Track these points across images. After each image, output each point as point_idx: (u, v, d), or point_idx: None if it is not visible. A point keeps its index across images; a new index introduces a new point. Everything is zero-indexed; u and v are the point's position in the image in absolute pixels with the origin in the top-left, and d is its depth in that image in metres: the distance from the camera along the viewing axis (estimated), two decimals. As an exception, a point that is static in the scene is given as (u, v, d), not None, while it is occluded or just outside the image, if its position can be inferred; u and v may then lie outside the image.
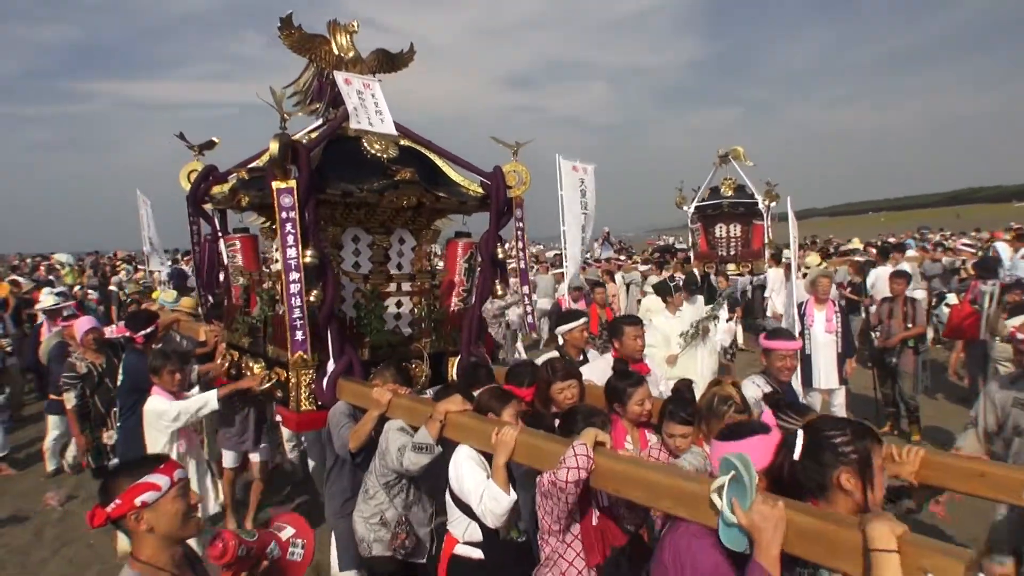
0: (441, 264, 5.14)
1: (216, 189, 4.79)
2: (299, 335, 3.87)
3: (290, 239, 3.77)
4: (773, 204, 14.06)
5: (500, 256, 4.55)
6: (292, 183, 3.76)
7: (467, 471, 2.98)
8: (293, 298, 3.80)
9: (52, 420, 7.06)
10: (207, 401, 4.30)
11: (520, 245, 4.77)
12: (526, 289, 5.04)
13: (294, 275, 3.80)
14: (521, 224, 4.80)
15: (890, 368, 7.60)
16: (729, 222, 14.03)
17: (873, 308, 8.33)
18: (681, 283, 9.80)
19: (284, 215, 3.76)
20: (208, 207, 4.98)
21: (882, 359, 7.70)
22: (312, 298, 3.82)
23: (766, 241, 14.15)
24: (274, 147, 3.65)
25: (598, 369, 4.49)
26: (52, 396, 6.90)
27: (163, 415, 4.21)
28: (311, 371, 4.01)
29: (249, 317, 4.57)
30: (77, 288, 12.78)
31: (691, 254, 14.95)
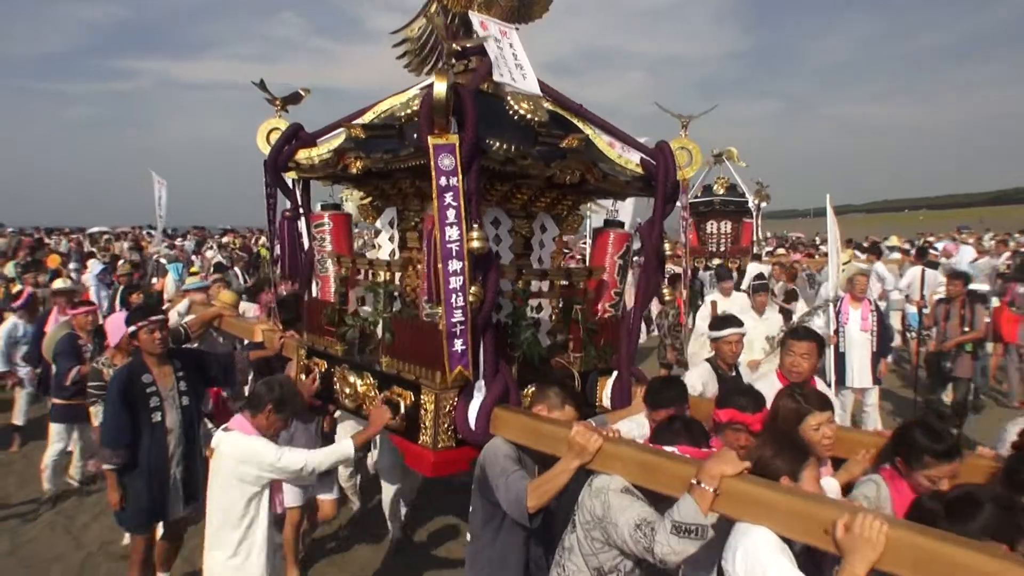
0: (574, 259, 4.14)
1: (302, 153, 3.76)
2: (459, 344, 2.86)
3: (451, 214, 2.77)
4: (764, 204, 14.35)
5: (667, 251, 3.59)
6: (454, 139, 2.77)
7: (773, 567, 1.99)
8: (453, 295, 2.79)
9: (55, 430, 5.80)
10: (345, 451, 3.25)
11: (682, 239, 3.81)
12: (685, 294, 4.07)
13: (455, 263, 2.79)
14: (686, 214, 3.85)
15: (945, 374, 7.10)
16: (720, 219, 14.06)
17: (926, 309, 7.95)
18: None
19: (443, 181, 2.75)
20: (290, 176, 3.93)
21: (937, 364, 7.19)
22: (470, 298, 2.82)
23: (754, 239, 14.32)
24: (439, 88, 2.65)
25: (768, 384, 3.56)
26: (56, 400, 5.72)
27: (264, 460, 3.10)
28: (453, 395, 3.00)
29: (354, 318, 3.52)
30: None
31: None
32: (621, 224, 3.83)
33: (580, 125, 3.68)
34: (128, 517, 3.97)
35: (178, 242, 18.33)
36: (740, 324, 4.45)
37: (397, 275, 3.42)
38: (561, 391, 3.01)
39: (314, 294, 4.01)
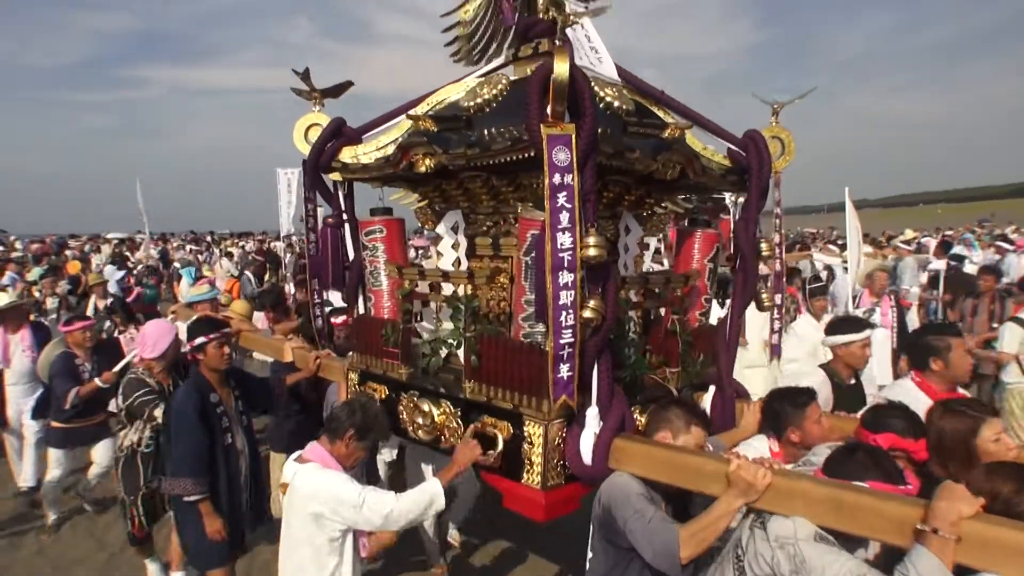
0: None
1: (348, 152, 3.30)
2: (564, 370, 2.46)
3: (564, 217, 2.36)
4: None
5: (765, 251, 3.25)
6: (571, 130, 2.36)
7: None
8: (563, 312, 2.39)
9: (54, 457, 5.29)
10: (434, 495, 2.77)
11: (777, 238, 3.47)
12: (778, 299, 3.74)
13: (566, 276, 2.38)
14: (779, 210, 3.51)
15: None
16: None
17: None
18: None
19: (557, 179, 2.35)
20: (333, 178, 3.47)
21: None
22: (589, 313, 2.42)
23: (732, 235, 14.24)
24: (562, 69, 2.24)
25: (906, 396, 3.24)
26: (55, 424, 5.16)
27: (343, 504, 2.68)
28: (562, 425, 2.60)
29: (431, 340, 3.08)
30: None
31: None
32: (708, 223, 3.46)
33: (660, 113, 3.31)
34: (209, 552, 3.54)
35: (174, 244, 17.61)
36: (870, 326, 4.09)
37: (469, 288, 2.99)
38: (683, 410, 2.64)
39: (362, 310, 3.55)
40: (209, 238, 24.67)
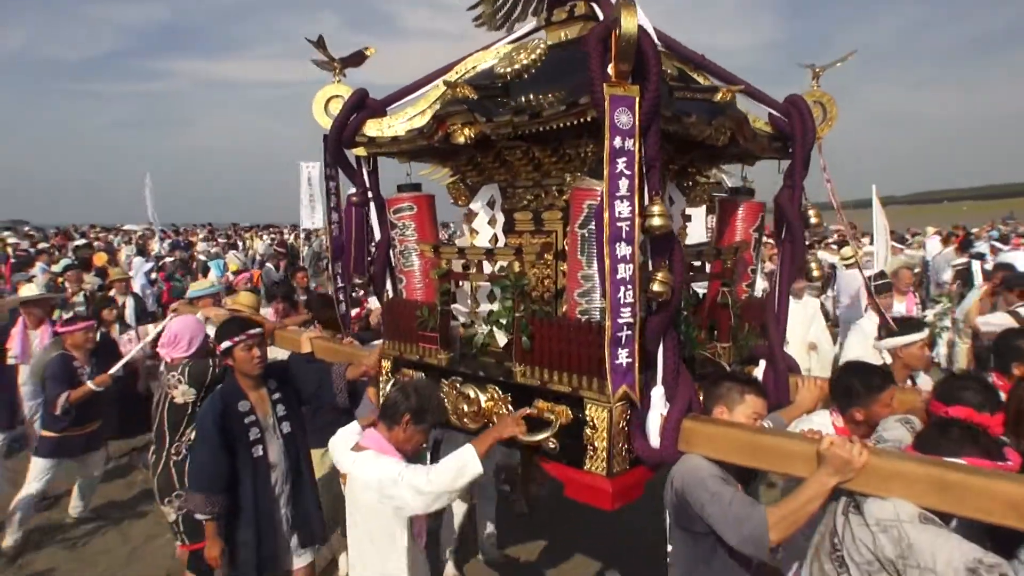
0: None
1: (374, 125, 3.11)
2: (623, 355, 2.29)
3: (623, 184, 2.20)
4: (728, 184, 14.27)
5: (813, 219, 3.11)
6: (635, 91, 2.19)
7: None
8: (621, 288, 2.23)
9: (37, 467, 4.87)
10: (469, 462, 2.57)
11: (835, 202, 3.32)
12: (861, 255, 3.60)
13: (623, 248, 2.22)
14: (829, 177, 3.37)
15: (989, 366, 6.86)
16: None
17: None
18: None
19: (618, 142, 2.18)
20: (356, 153, 3.27)
21: (987, 357, 6.93)
22: (657, 286, 2.27)
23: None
24: (630, 24, 2.06)
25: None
26: (45, 433, 4.84)
27: (385, 481, 2.58)
28: (626, 408, 2.46)
29: (478, 320, 2.92)
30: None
31: None
32: (751, 192, 3.32)
33: (699, 79, 3.14)
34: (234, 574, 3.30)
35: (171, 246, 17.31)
36: (920, 328, 3.94)
37: (516, 265, 2.82)
38: (733, 382, 2.53)
39: (391, 293, 3.38)
40: (231, 230, 24.73)
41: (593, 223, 2.43)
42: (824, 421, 2.81)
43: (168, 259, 12.24)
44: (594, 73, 2.17)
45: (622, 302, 2.25)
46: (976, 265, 8.88)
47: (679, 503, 2.34)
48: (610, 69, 2.19)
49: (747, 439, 2.29)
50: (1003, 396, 2.69)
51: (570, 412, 2.52)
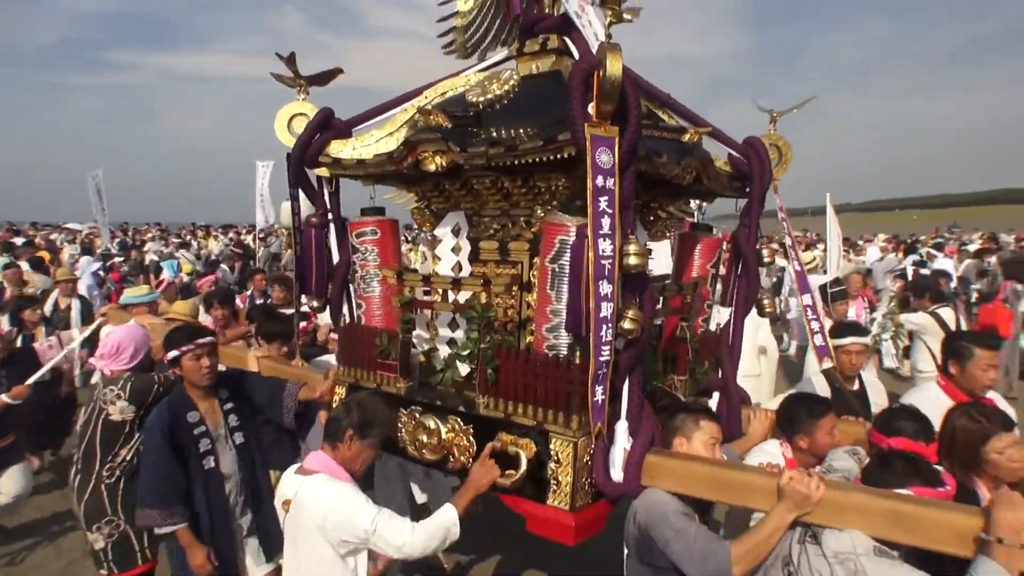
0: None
1: (339, 146, 3.06)
2: (600, 392, 2.32)
3: (605, 223, 2.23)
4: (706, 205, 14.44)
5: (766, 258, 3.24)
6: (614, 132, 2.23)
7: None
8: (603, 327, 2.25)
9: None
10: (450, 524, 2.52)
11: (789, 241, 3.46)
12: (808, 299, 3.73)
13: (606, 286, 2.25)
14: (784, 215, 3.50)
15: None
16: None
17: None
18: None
19: (600, 181, 2.21)
20: (318, 174, 3.20)
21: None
22: (628, 324, 2.30)
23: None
24: (614, 68, 2.10)
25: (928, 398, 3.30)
26: None
27: (356, 527, 2.44)
28: (589, 442, 2.47)
29: (453, 355, 2.87)
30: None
31: None
32: (710, 228, 3.42)
33: (663, 116, 3.23)
34: None
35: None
36: (863, 333, 4.14)
37: (483, 295, 2.80)
38: (686, 412, 2.59)
39: (348, 318, 3.31)
40: (192, 229, 23.82)
41: (565, 258, 2.45)
42: (775, 451, 2.90)
43: (118, 259, 11.71)
44: (575, 113, 2.20)
45: (603, 340, 2.27)
46: (911, 271, 9.39)
47: (641, 538, 2.36)
48: (590, 108, 2.22)
49: (709, 473, 2.34)
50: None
51: (534, 446, 2.51)
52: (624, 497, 2.47)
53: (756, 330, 6.50)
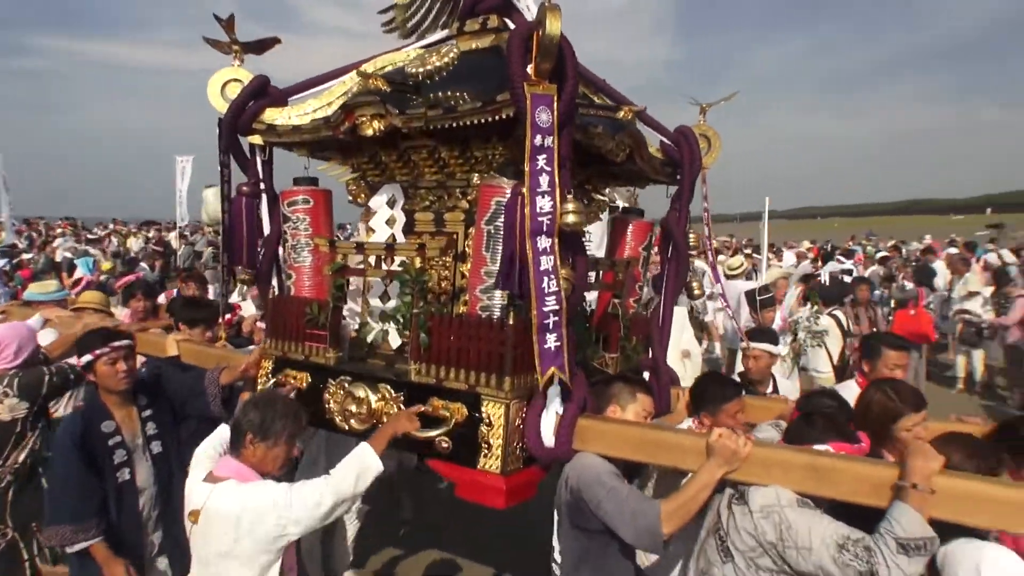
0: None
1: (274, 113, 3.00)
2: (551, 340, 2.32)
3: (543, 180, 2.26)
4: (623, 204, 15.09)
5: (694, 242, 3.34)
6: (553, 90, 2.27)
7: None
8: (545, 279, 2.27)
9: None
10: (368, 462, 2.38)
11: (706, 231, 3.58)
12: (720, 287, 3.82)
13: (544, 240, 2.27)
14: (708, 204, 3.62)
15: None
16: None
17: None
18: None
19: (538, 140, 2.25)
20: (252, 142, 3.12)
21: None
22: (560, 282, 2.32)
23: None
24: (555, 26, 2.14)
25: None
26: None
27: (270, 512, 2.25)
28: (523, 405, 2.47)
29: (376, 317, 2.81)
30: None
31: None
32: (641, 212, 3.50)
33: (598, 101, 3.31)
34: None
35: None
36: (771, 340, 4.26)
37: (418, 262, 2.77)
38: (624, 382, 2.62)
39: (277, 290, 3.22)
40: (112, 226, 22.61)
41: (500, 219, 2.46)
42: (687, 426, 2.95)
43: (26, 255, 11.06)
44: (515, 71, 2.23)
45: (546, 291, 2.28)
46: (826, 277, 9.80)
47: (574, 501, 2.36)
48: (529, 69, 2.26)
49: (640, 435, 2.37)
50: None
51: (465, 410, 2.49)
52: (557, 462, 2.47)
53: (680, 332, 6.66)
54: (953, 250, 14.32)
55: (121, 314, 5.02)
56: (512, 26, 2.95)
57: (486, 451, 2.43)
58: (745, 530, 2.06)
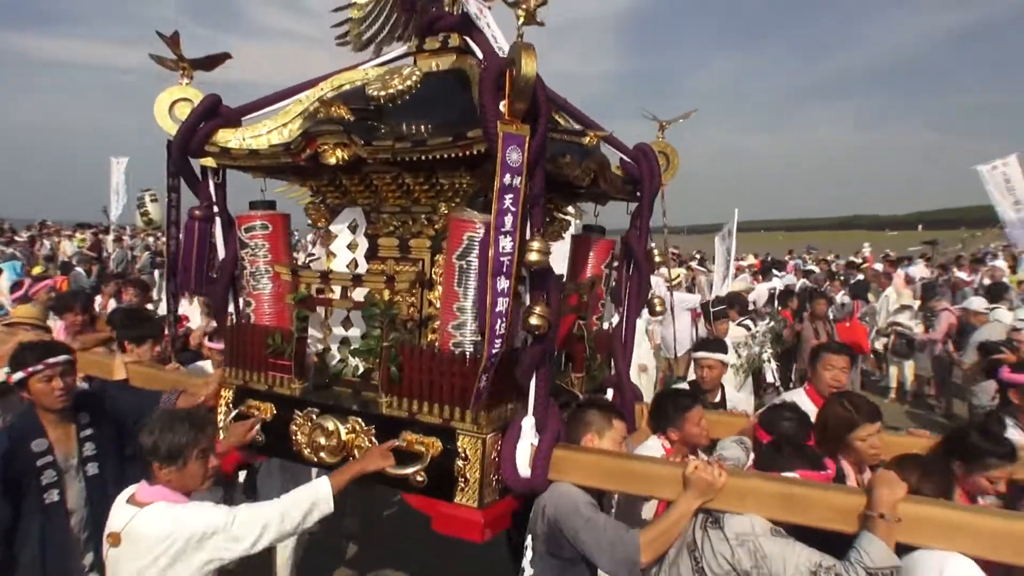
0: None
1: (228, 135, 2.89)
2: (485, 380, 2.34)
3: (507, 220, 2.26)
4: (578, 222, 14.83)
5: (657, 259, 3.41)
6: (525, 130, 2.26)
7: None
8: (498, 321, 2.27)
9: None
10: (320, 497, 2.36)
11: (664, 247, 3.64)
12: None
13: (503, 282, 2.28)
14: (666, 221, 3.68)
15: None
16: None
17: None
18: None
19: (507, 179, 2.24)
20: (204, 164, 2.99)
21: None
22: (535, 320, 2.33)
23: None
24: (531, 66, 2.12)
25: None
26: None
27: (207, 532, 2.19)
28: (497, 438, 2.49)
29: (328, 351, 2.76)
30: None
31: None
32: (603, 230, 3.54)
33: (559, 120, 3.31)
34: None
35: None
36: (722, 351, 4.39)
37: (386, 293, 2.73)
38: (598, 409, 2.68)
39: (233, 317, 3.12)
40: (42, 228, 21.10)
41: (472, 255, 2.45)
42: (655, 445, 3.04)
43: None
44: (489, 110, 2.20)
45: (496, 333, 2.29)
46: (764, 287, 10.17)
47: (550, 531, 2.40)
48: (502, 106, 2.24)
49: (616, 465, 2.42)
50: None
51: (440, 444, 2.49)
52: (531, 492, 2.50)
53: (637, 347, 6.78)
54: (878, 266, 14.96)
55: (56, 327, 4.76)
56: (473, 45, 2.93)
57: (463, 485, 2.45)
58: (721, 555, 2.15)
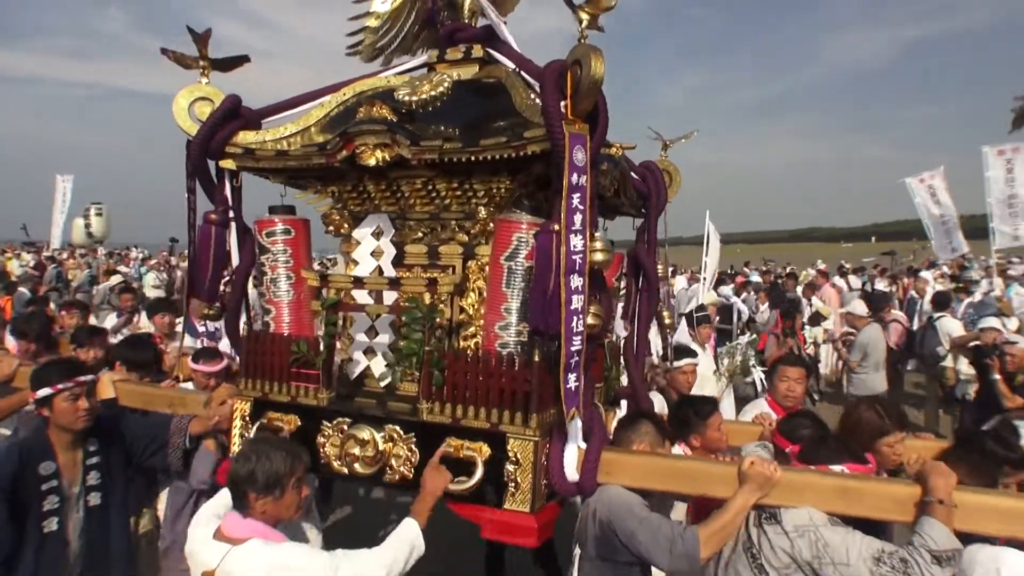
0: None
1: (250, 136, 2.80)
2: (573, 379, 2.33)
3: (577, 219, 2.28)
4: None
5: (662, 273, 3.50)
6: (586, 130, 2.30)
7: None
8: (574, 318, 2.27)
9: None
10: (413, 539, 2.27)
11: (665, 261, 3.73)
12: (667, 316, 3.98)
13: (576, 280, 2.28)
14: (663, 238, 3.78)
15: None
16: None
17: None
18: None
19: (575, 179, 2.26)
20: (222, 166, 2.88)
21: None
22: (590, 319, 2.35)
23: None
24: (598, 67, 2.17)
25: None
26: None
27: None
28: (545, 442, 2.45)
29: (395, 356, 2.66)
30: None
31: None
32: (611, 243, 3.59)
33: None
34: None
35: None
36: (694, 355, 4.52)
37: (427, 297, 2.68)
38: (654, 426, 2.69)
39: (251, 325, 2.98)
40: None
41: (521, 256, 2.45)
42: (676, 452, 3.08)
43: None
44: (553, 110, 2.23)
45: (574, 330, 2.28)
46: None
47: (603, 534, 2.38)
48: (562, 106, 2.27)
49: (669, 465, 2.44)
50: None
51: (488, 449, 2.44)
52: (580, 496, 2.48)
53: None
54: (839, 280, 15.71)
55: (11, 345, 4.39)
56: (501, 57, 2.98)
57: (512, 490, 2.40)
58: (780, 548, 2.18)
